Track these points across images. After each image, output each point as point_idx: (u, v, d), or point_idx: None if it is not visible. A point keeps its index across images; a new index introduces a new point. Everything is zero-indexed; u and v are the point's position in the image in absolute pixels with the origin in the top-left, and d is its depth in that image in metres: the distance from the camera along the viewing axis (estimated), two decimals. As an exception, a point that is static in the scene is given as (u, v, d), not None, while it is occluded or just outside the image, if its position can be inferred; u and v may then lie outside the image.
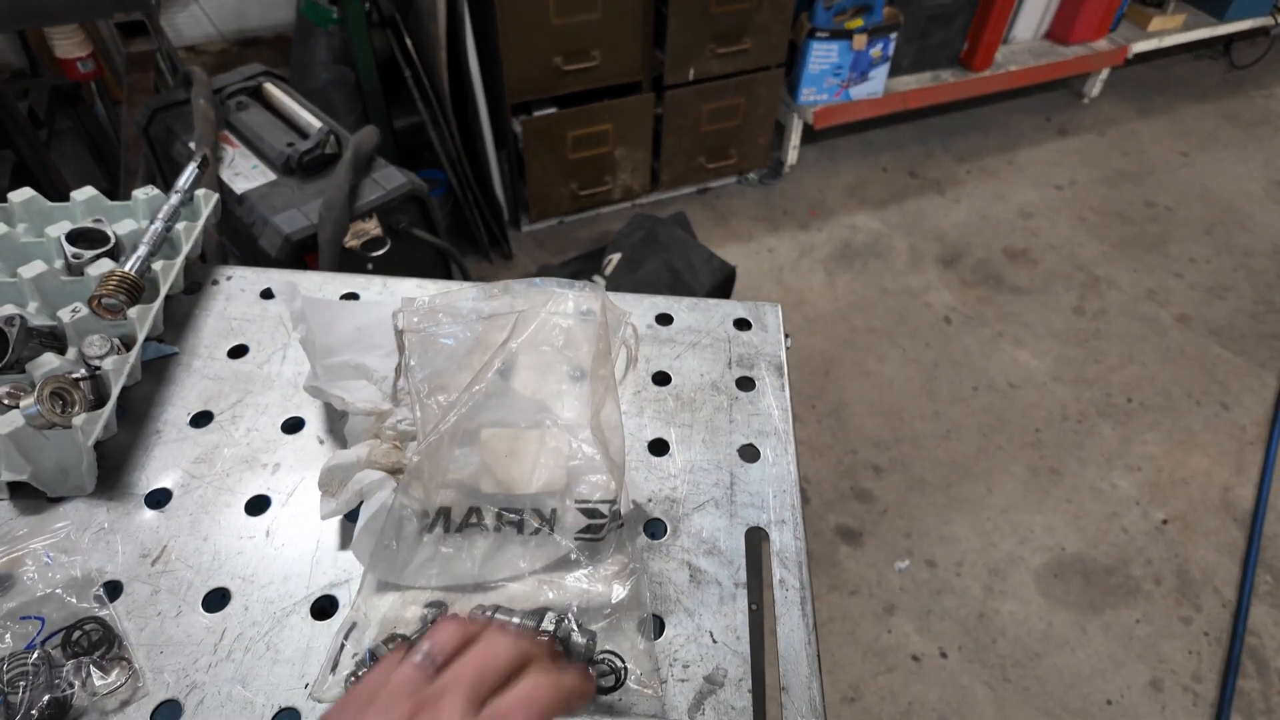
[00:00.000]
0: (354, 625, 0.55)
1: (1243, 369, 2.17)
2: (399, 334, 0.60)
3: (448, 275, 1.40)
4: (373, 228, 1.18)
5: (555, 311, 0.62)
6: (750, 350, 0.76)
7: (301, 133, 1.25)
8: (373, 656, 0.52)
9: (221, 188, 1.19)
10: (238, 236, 1.18)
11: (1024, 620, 1.66)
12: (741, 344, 0.77)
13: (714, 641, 0.57)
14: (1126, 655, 1.61)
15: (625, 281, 2.03)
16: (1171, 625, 1.66)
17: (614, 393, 0.60)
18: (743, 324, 0.79)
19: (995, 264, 2.46)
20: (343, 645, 0.53)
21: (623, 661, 0.53)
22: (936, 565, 1.74)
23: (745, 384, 0.74)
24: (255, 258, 1.18)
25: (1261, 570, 1.75)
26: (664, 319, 0.79)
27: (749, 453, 0.68)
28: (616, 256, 2.11)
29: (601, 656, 0.53)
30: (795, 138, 2.66)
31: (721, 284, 2.00)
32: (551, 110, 2.20)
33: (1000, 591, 1.70)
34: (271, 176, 1.20)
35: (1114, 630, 1.65)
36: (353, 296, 0.79)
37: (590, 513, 0.59)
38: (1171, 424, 2.04)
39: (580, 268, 2.23)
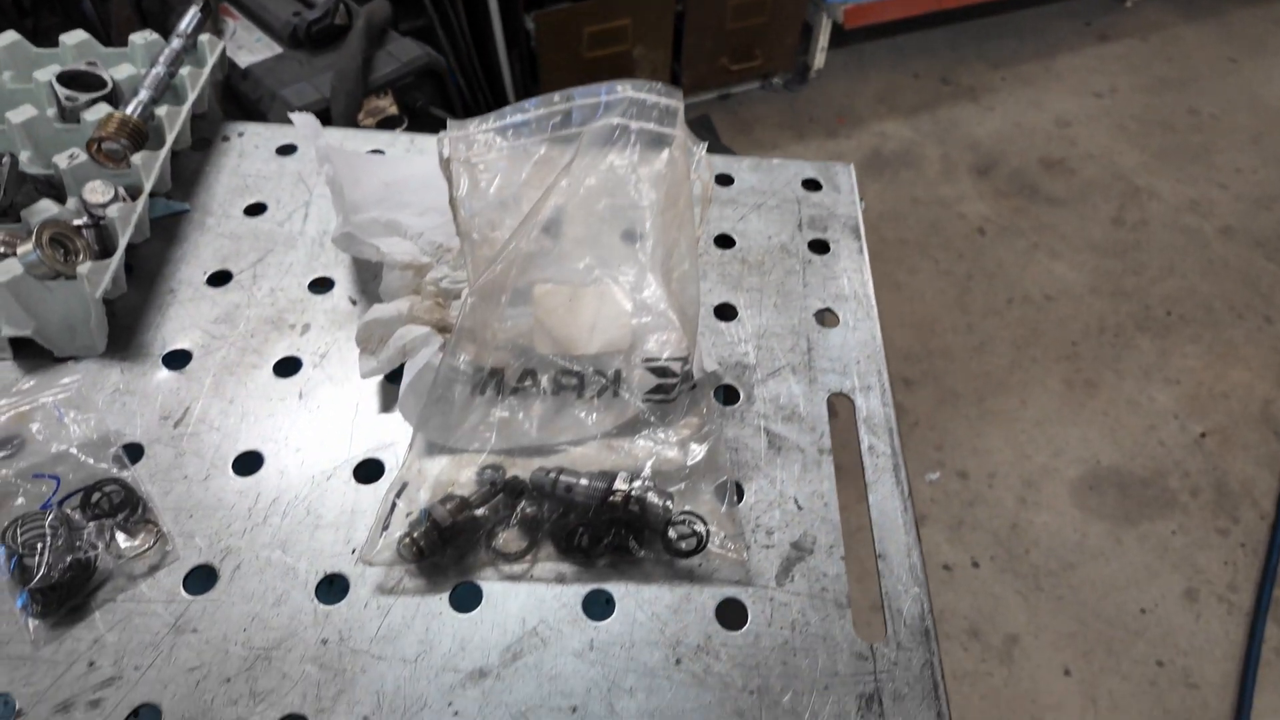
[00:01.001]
0: (405, 484, 0.49)
1: (1288, 281, 2.09)
2: (444, 163, 0.53)
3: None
4: (388, 105, 1.09)
5: (619, 154, 0.54)
6: (822, 212, 0.69)
7: (306, 2, 1.14)
8: (429, 516, 0.47)
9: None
10: (243, 112, 1.10)
11: (1058, 531, 1.63)
12: (812, 205, 0.70)
13: (799, 508, 0.51)
14: (1161, 566, 1.58)
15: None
16: (1208, 536, 1.63)
17: (689, 235, 0.53)
18: (812, 185, 0.71)
19: (1031, 174, 2.36)
20: (394, 505, 0.48)
21: (705, 524, 0.48)
22: (968, 477, 1.70)
23: (818, 247, 0.67)
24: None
25: (1301, 483, 1.71)
26: (724, 180, 0.72)
27: (827, 318, 0.62)
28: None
29: (681, 518, 0.48)
30: (823, 39, 2.51)
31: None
32: (566, 4, 2.06)
33: (1034, 503, 1.67)
34: (277, 49, 1.11)
35: (1149, 541, 1.62)
36: (378, 153, 0.71)
37: (660, 371, 0.53)
38: (1212, 337, 1.97)
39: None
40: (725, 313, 0.62)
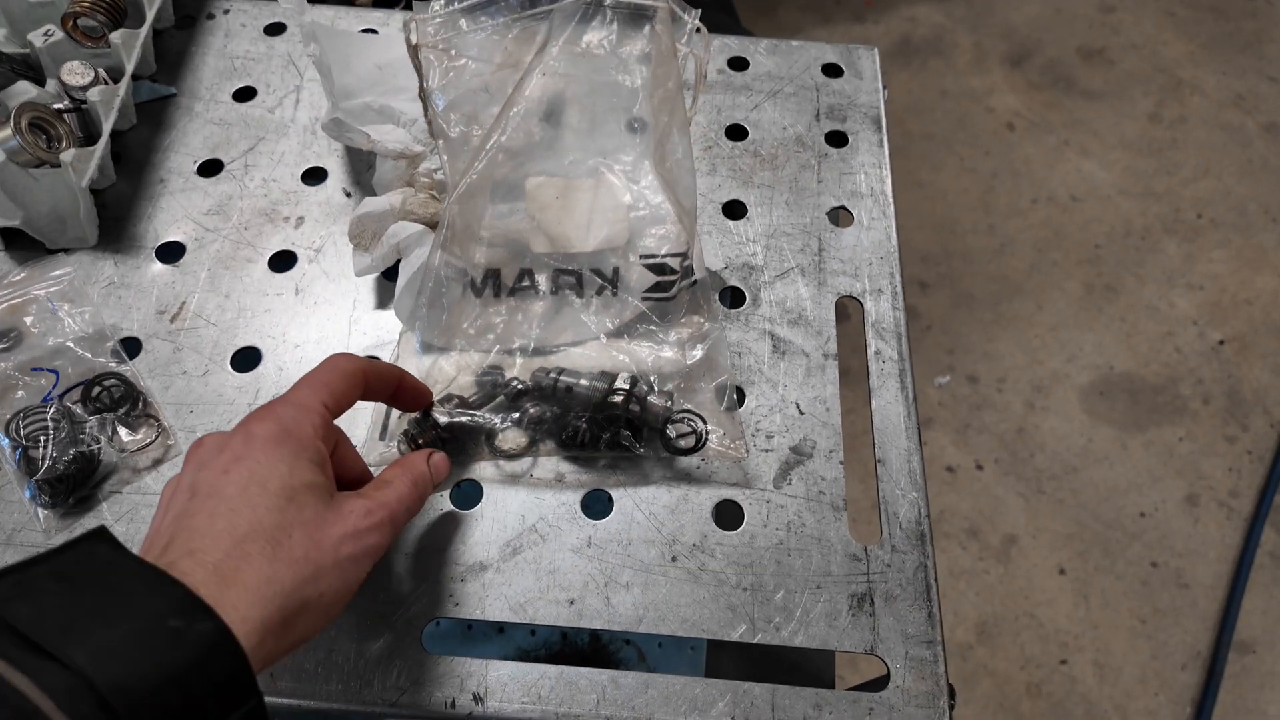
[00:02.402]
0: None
1: (1329, 184, 2.00)
2: (413, 50, 0.49)
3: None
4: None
5: (595, 32, 0.50)
6: (842, 100, 0.65)
7: None
8: (426, 415, 0.47)
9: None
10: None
11: (1064, 436, 1.63)
12: (831, 93, 0.66)
13: (800, 413, 0.51)
14: (1165, 471, 1.60)
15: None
16: (1215, 443, 1.63)
17: (681, 120, 0.50)
18: (833, 70, 0.67)
19: (1067, 64, 2.23)
20: (388, 410, 0.48)
21: (704, 423, 0.48)
22: (978, 381, 1.70)
23: (836, 139, 0.63)
24: None
25: (1316, 392, 1.70)
26: (738, 63, 0.67)
27: (841, 217, 0.59)
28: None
29: (680, 416, 0.47)
30: (854, -88, 2.32)
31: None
32: None
33: (1042, 408, 1.67)
34: None
35: (1155, 447, 1.63)
36: (371, 33, 0.67)
37: (658, 269, 0.51)
38: (1242, 242, 1.91)
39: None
40: (734, 210, 0.59)
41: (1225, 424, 1.66)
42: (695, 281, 0.52)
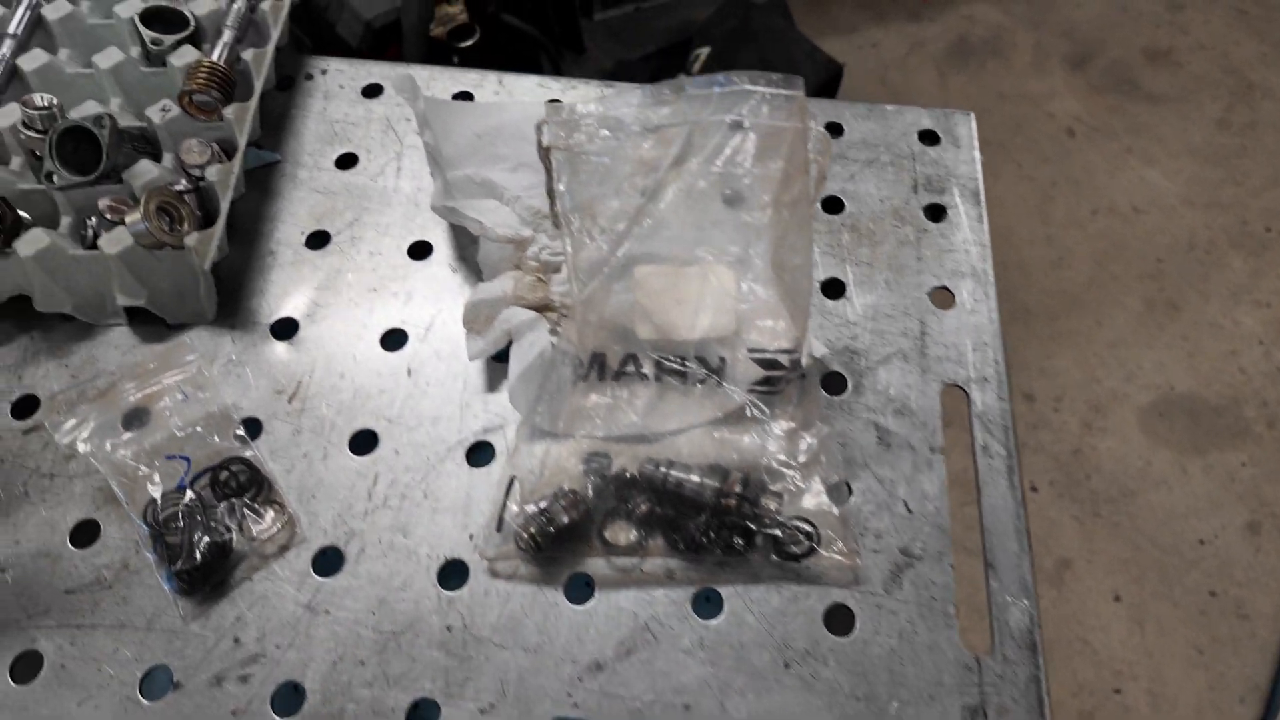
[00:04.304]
0: (514, 478, 0.50)
1: None
2: (544, 151, 0.50)
3: (538, 70, 1.24)
4: (459, 12, 1.03)
5: (738, 119, 0.50)
6: (939, 171, 0.64)
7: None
8: (544, 514, 0.48)
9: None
10: (310, 25, 1.04)
11: (1122, 458, 1.61)
12: (929, 162, 0.65)
13: (909, 512, 0.51)
14: (1226, 496, 1.57)
15: (716, 81, 1.82)
16: (1279, 469, 1.60)
17: (805, 221, 0.50)
18: (929, 137, 0.66)
19: (1132, 66, 2.16)
20: (505, 503, 0.49)
21: (815, 527, 0.48)
22: (1034, 399, 1.68)
23: (934, 212, 0.63)
24: (325, 48, 1.04)
25: (1387, 417, 1.65)
26: (833, 129, 0.67)
27: (942, 297, 0.59)
28: (705, 51, 1.88)
29: (793, 521, 0.48)
30: (914, -95, 2.26)
31: (826, 84, 1.79)
32: None
33: (1100, 428, 1.64)
34: None
35: (1216, 471, 1.60)
36: (465, 97, 0.67)
37: (768, 364, 0.51)
38: (1313, 257, 1.85)
39: (661, 64, 2.01)
40: (833, 289, 0.59)
41: (1289, 448, 1.62)
42: (804, 375, 0.52)
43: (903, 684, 0.46)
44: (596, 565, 0.49)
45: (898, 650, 0.47)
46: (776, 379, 0.51)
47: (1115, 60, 2.17)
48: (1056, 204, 1.92)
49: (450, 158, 0.59)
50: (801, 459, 0.51)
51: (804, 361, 0.52)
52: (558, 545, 0.48)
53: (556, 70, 1.18)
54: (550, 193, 0.50)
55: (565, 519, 0.48)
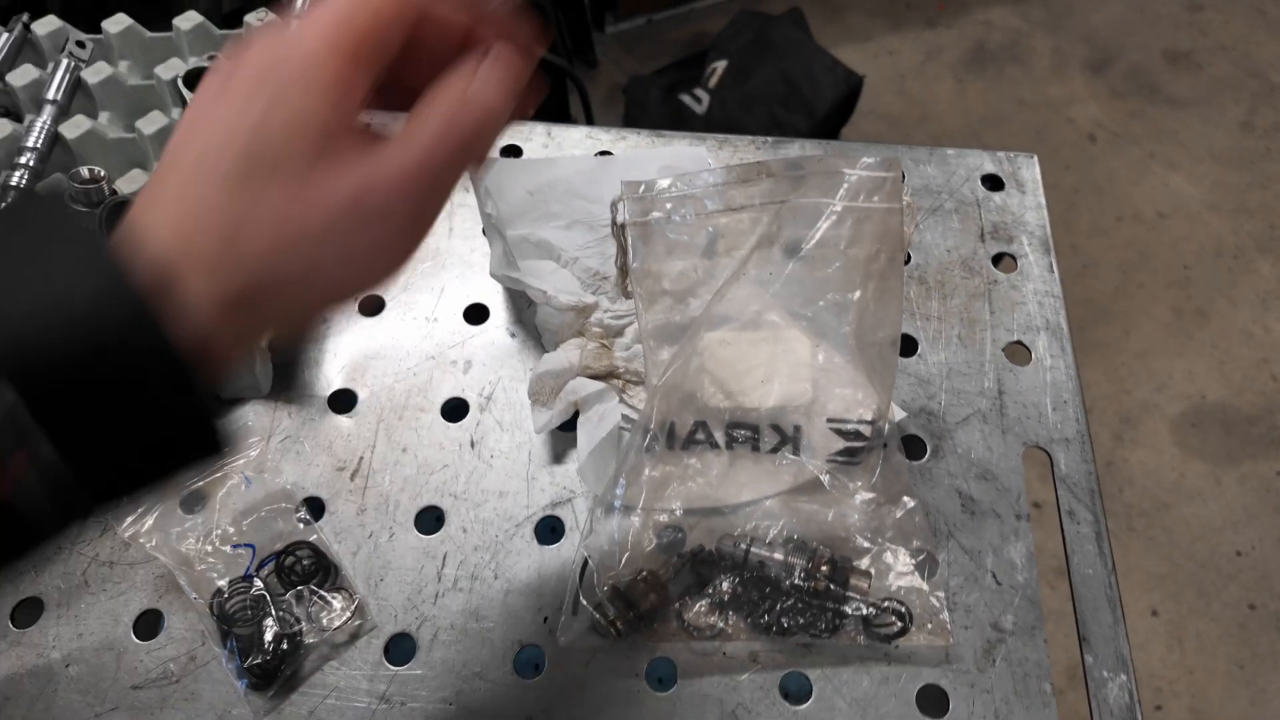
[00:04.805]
0: (587, 560, 0.48)
1: None
2: (619, 229, 0.48)
3: (563, 98, 1.23)
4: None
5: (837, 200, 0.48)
6: (1006, 218, 0.62)
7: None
8: (623, 596, 0.46)
9: None
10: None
11: (1154, 470, 1.59)
12: (994, 209, 0.63)
13: (998, 584, 0.49)
14: (1262, 508, 1.55)
15: (733, 96, 1.80)
16: (1314, 479, 1.58)
17: (895, 293, 0.48)
18: (993, 182, 0.64)
19: (1152, 70, 2.14)
20: (579, 588, 0.47)
21: (905, 606, 0.46)
22: (1063, 412, 1.66)
23: (1003, 263, 0.61)
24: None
25: None
26: (893, 176, 0.65)
27: (1018, 353, 0.57)
28: (721, 64, 1.86)
29: (883, 602, 0.46)
30: (927, -90, 2.24)
31: (846, 97, 1.77)
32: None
33: (1131, 440, 1.63)
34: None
35: (1251, 482, 1.58)
36: (513, 151, 0.66)
37: (848, 434, 0.50)
38: (1342, 261, 1.83)
39: (677, 77, 1.99)
40: (905, 346, 0.58)
41: (1324, 457, 1.60)
42: (886, 444, 0.50)
43: (1004, 772, 0.44)
44: (677, 649, 0.48)
45: (996, 735, 0.45)
46: (857, 449, 0.50)
47: (1135, 64, 2.15)
48: (1080, 212, 1.90)
49: (506, 218, 0.57)
50: (889, 533, 0.49)
51: (891, 421, 0.51)
52: (637, 629, 0.47)
53: (584, 99, 1.16)
54: (622, 268, 0.48)
55: (645, 602, 0.46)
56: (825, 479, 0.50)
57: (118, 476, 0.26)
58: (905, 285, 0.60)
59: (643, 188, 0.47)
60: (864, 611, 0.46)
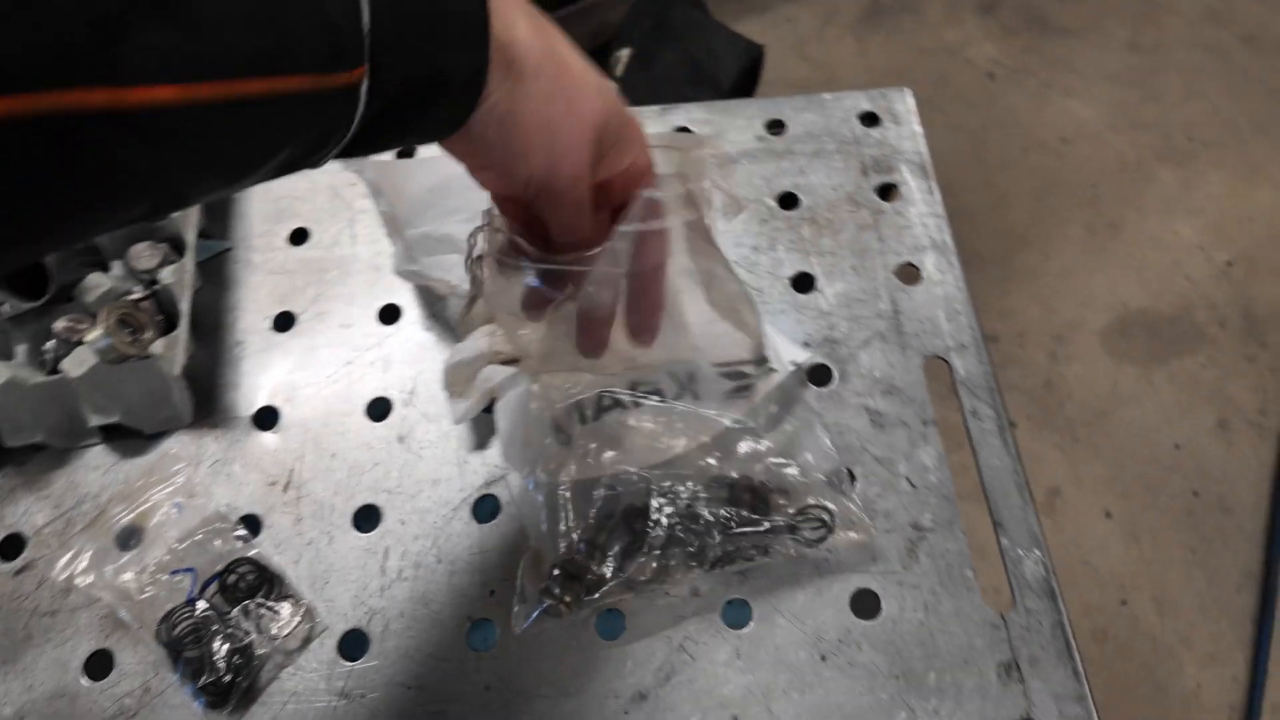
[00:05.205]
0: (527, 550, 0.50)
1: (1311, 87, 2.01)
2: (473, 262, 0.48)
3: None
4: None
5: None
6: (885, 150, 0.66)
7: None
8: (566, 573, 0.48)
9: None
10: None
11: (1090, 382, 1.66)
12: (873, 144, 0.66)
13: (913, 487, 0.52)
14: (1193, 400, 1.63)
15: (641, 81, 1.82)
16: (1237, 365, 1.66)
17: (706, 237, 0.48)
18: (869, 119, 0.67)
19: (1039, 3, 2.21)
20: (521, 585, 0.48)
21: (827, 509, 0.49)
22: (999, 340, 1.72)
23: (886, 192, 0.64)
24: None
25: (1327, 299, 1.72)
26: (775, 126, 0.68)
27: (909, 274, 0.60)
28: (626, 52, 1.88)
29: (806, 510, 0.49)
30: (801, -123, 2.28)
31: (749, 68, 1.81)
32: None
33: (1065, 357, 1.69)
34: None
35: (1180, 379, 1.66)
36: (407, 152, 0.67)
37: (734, 375, 0.52)
38: (1236, 159, 1.92)
39: (583, 71, 2.00)
40: (803, 284, 0.60)
41: (1244, 344, 1.69)
42: (774, 369, 0.52)
43: (936, 654, 0.47)
44: (624, 600, 0.49)
45: (926, 623, 0.48)
46: (746, 386, 0.52)
47: (1023, 0, 2.22)
48: (988, 148, 1.97)
49: (406, 218, 0.58)
50: (800, 455, 0.51)
51: (784, 364, 0.53)
52: (586, 600, 0.48)
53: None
54: (471, 299, 0.49)
55: (589, 572, 0.48)
56: (728, 420, 0.52)
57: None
58: (800, 229, 0.62)
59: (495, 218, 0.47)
60: (790, 522, 0.49)
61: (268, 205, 0.65)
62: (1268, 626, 1.39)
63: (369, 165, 0.58)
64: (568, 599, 0.47)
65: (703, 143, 0.48)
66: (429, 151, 0.66)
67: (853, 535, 0.49)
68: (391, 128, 0.32)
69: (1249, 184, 1.88)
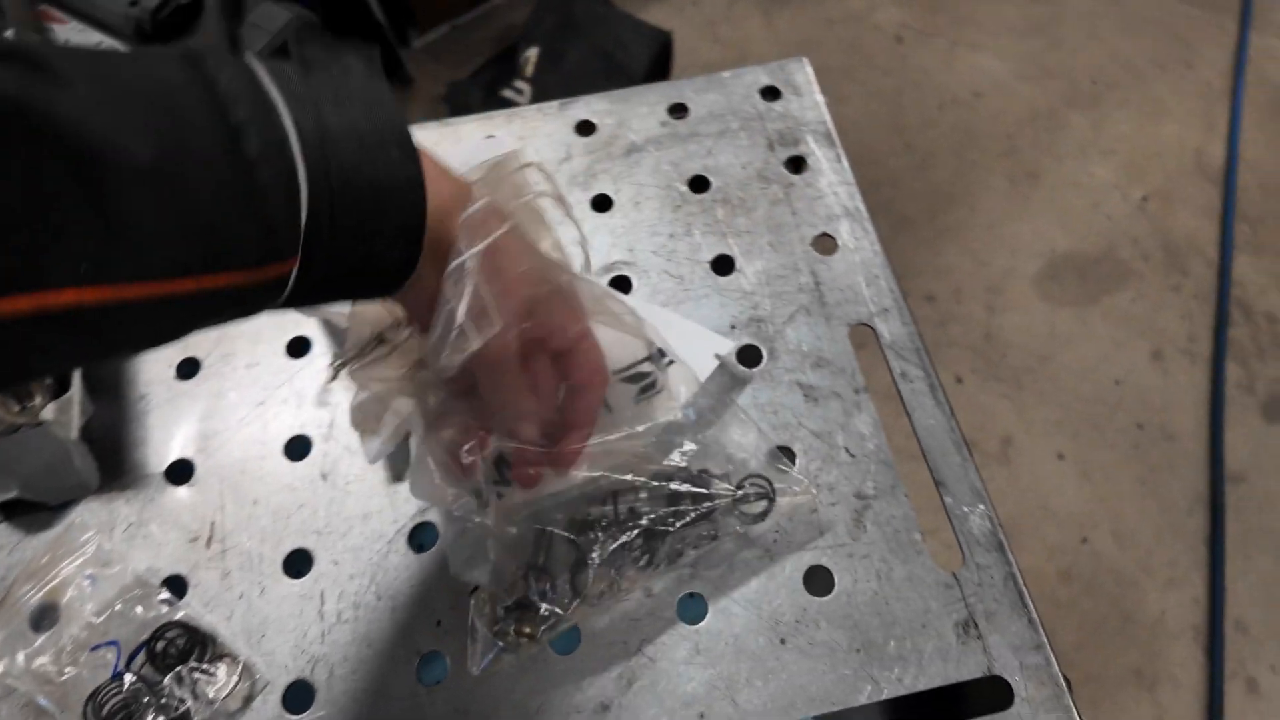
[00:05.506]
0: (475, 588, 0.48)
1: (1203, 21, 2.08)
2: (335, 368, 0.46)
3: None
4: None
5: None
6: (789, 123, 0.65)
7: (136, -16, 0.99)
8: (519, 607, 0.46)
9: (66, 79, 0.95)
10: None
11: (1028, 329, 1.70)
12: (776, 117, 0.65)
13: (852, 456, 0.52)
14: (1127, 335, 1.68)
15: (552, 80, 1.80)
16: (1163, 296, 1.72)
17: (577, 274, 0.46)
18: (770, 94, 0.67)
19: (935, -36, 2.25)
20: (473, 623, 0.46)
21: (766, 480, 0.48)
22: (936, 299, 1.75)
23: (796, 165, 0.63)
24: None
25: (1239, 222, 1.79)
26: (677, 110, 0.67)
27: (826, 244, 0.60)
28: (534, 52, 1.86)
29: (745, 485, 0.48)
30: None
31: (660, 55, 1.80)
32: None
33: (1002, 307, 1.73)
34: (123, 50, 0.97)
35: (1112, 316, 1.70)
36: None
37: (635, 377, 0.51)
38: (1139, 98, 1.99)
39: (495, 74, 1.97)
40: (722, 265, 0.59)
41: (1168, 275, 1.75)
42: (671, 361, 0.51)
43: (893, 622, 0.47)
44: (577, 614, 0.48)
45: (880, 591, 0.48)
46: (650, 385, 0.50)
47: (918, -39, 2.26)
48: (906, 111, 2.00)
49: None
50: (728, 440, 0.51)
51: (713, 361, 0.52)
52: (544, 627, 0.46)
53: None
54: (338, 367, 0.47)
55: (541, 601, 0.46)
56: (642, 428, 0.50)
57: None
58: (714, 211, 0.62)
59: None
60: (732, 497, 0.48)
61: (159, 249, 0.61)
62: (1220, 546, 1.44)
63: None
64: (527, 629, 0.45)
65: (518, 158, 0.45)
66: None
67: (796, 499, 0.49)
68: (320, 295, 0.33)
69: (1154, 121, 1.94)
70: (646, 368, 0.50)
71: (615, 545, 0.47)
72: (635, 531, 0.48)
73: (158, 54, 0.28)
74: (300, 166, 0.29)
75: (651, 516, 0.48)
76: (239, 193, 0.27)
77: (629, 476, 0.48)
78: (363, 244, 0.31)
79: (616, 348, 0.49)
